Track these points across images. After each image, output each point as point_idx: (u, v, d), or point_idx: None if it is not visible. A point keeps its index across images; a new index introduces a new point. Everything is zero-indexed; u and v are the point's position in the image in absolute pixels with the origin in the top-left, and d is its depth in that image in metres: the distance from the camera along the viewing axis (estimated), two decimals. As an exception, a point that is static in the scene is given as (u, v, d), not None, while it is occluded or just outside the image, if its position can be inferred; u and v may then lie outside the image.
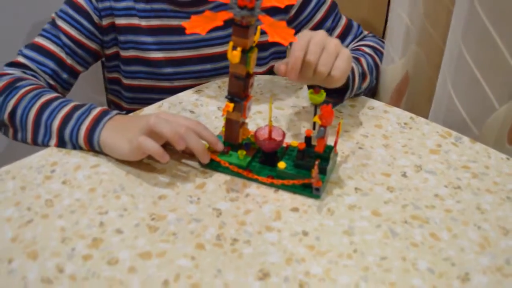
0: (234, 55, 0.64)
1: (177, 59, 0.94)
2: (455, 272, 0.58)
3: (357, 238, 0.62)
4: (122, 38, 0.93)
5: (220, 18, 0.62)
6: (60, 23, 0.89)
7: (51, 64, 0.89)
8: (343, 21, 1.00)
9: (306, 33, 0.73)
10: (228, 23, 0.64)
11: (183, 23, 0.62)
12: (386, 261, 0.59)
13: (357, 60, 0.87)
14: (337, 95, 0.85)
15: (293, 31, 0.62)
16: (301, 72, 0.72)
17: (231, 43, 0.65)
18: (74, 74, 0.93)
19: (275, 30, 0.62)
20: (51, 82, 0.89)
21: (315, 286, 0.56)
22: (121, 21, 0.92)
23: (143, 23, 0.92)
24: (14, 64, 0.87)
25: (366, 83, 0.89)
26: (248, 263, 0.58)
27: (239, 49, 0.64)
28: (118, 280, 0.56)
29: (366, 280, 0.57)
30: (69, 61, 0.90)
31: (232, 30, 0.64)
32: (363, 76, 0.87)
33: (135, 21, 0.92)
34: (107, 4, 0.91)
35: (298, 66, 0.71)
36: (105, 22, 0.91)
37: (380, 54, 0.98)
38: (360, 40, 1.00)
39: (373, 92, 1.00)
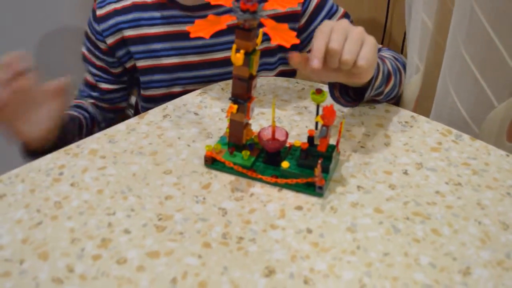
0: (237, 58, 0.65)
1: (189, 63, 0.96)
2: (456, 267, 0.59)
3: (360, 235, 0.63)
4: (133, 49, 0.94)
5: (223, 21, 0.64)
6: (86, 54, 0.99)
7: (92, 93, 1.01)
8: None
9: (327, 23, 0.69)
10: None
11: (187, 27, 0.63)
12: (389, 256, 0.60)
13: (380, 59, 0.83)
14: (351, 99, 0.83)
15: (295, 33, 0.63)
16: (325, 64, 0.67)
17: (234, 46, 0.66)
18: (113, 94, 1.02)
19: (277, 33, 0.63)
20: (96, 104, 1.02)
21: (319, 282, 0.57)
22: (129, 33, 0.94)
23: (153, 30, 0.93)
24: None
25: (390, 85, 0.85)
26: (254, 261, 0.59)
27: (242, 51, 0.65)
28: (127, 279, 0.57)
29: (370, 275, 0.58)
30: (102, 86, 1.00)
31: (235, 33, 0.65)
32: (387, 76, 0.83)
33: (144, 30, 0.93)
34: (111, 22, 0.93)
35: (321, 54, 0.66)
36: (111, 40, 0.94)
37: (402, 63, 0.93)
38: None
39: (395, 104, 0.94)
